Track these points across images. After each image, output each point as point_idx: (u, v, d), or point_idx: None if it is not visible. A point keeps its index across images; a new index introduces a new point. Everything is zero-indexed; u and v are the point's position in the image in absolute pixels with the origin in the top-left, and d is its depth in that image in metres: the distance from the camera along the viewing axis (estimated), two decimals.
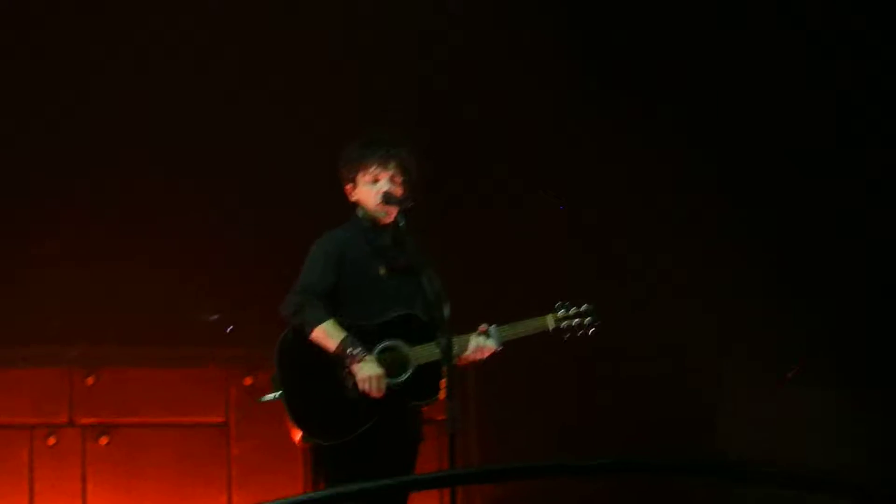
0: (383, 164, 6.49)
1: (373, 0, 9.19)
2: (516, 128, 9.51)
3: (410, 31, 9.16)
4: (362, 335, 6.37)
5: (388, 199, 6.44)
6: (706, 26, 9.56)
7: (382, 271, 6.53)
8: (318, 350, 6.33)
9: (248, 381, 8.63)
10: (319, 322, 6.33)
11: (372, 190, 6.48)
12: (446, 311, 6.23)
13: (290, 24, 9.12)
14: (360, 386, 6.29)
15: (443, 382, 6.32)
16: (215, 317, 9.11)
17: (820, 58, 9.49)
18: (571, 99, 9.40)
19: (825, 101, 9.47)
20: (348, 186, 6.57)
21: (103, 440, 8.49)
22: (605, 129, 9.25)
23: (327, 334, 6.32)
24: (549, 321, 6.67)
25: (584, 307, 6.73)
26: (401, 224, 6.48)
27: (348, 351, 6.29)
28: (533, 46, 9.40)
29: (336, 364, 6.33)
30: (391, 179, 6.48)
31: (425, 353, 6.38)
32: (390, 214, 6.48)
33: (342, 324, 6.36)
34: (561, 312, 6.69)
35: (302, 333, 6.35)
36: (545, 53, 9.40)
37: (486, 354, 6.56)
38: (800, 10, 9.46)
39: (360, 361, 6.29)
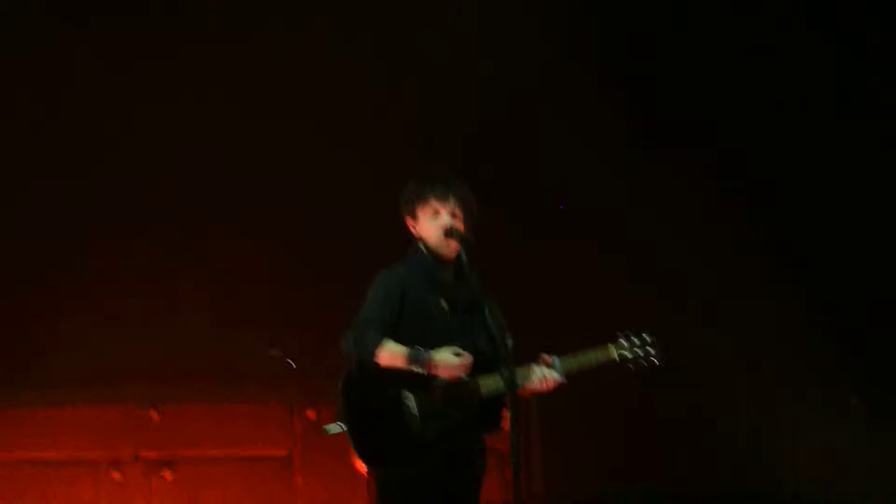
0: (443, 199, 6.49)
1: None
2: (568, 159, 9.56)
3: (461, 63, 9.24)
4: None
5: (449, 233, 6.42)
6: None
7: (444, 306, 6.48)
8: (382, 382, 6.28)
9: (311, 414, 8.66)
10: (380, 342, 6.29)
11: (434, 224, 6.47)
12: (510, 342, 6.20)
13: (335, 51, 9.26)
14: (445, 374, 6.25)
15: (506, 412, 6.26)
16: (279, 352, 9.05)
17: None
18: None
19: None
20: (409, 220, 6.56)
21: (167, 474, 8.54)
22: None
23: (392, 351, 6.28)
24: (612, 351, 6.58)
25: (646, 337, 6.64)
26: (463, 258, 6.43)
27: (419, 356, 6.25)
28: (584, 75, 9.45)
29: (400, 395, 6.28)
30: (451, 214, 6.47)
31: (490, 384, 6.31)
32: (452, 249, 6.45)
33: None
34: (624, 343, 6.61)
35: (366, 365, 6.30)
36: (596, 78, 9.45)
37: (551, 386, 6.48)
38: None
39: (433, 358, 6.25)
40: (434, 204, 6.48)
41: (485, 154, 9.32)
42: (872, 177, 9.63)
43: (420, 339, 6.36)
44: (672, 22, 9.68)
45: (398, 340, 6.34)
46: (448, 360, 6.26)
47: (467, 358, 6.28)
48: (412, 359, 6.26)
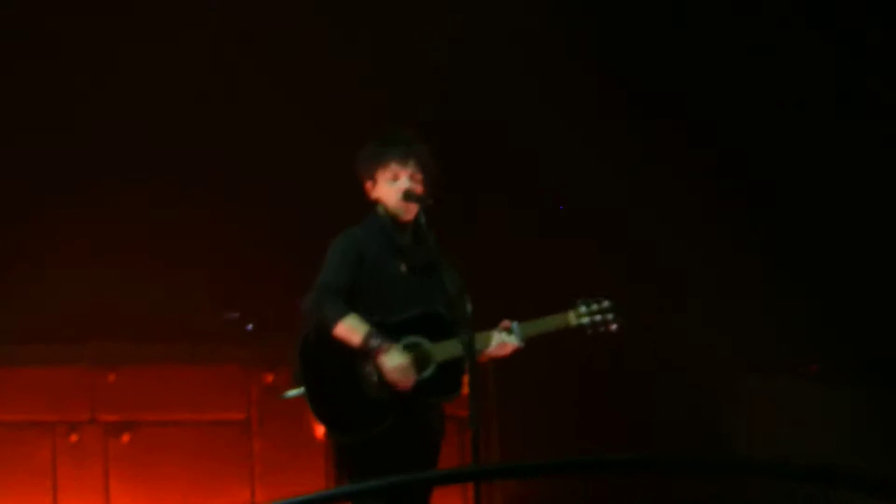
0: (403, 162, 6.49)
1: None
2: (534, 126, 9.54)
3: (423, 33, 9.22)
4: (384, 332, 6.37)
5: (408, 196, 6.44)
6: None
7: (403, 269, 6.52)
8: (340, 347, 6.33)
9: (268, 378, 8.70)
10: (341, 317, 6.32)
11: (392, 187, 6.47)
12: (468, 307, 6.23)
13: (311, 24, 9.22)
14: (388, 377, 6.29)
15: (465, 378, 6.32)
16: (236, 315, 9.17)
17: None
18: (590, 99, 9.41)
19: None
20: (368, 184, 6.57)
21: (125, 437, 8.57)
22: (622, 133, 9.35)
23: (350, 328, 6.31)
24: (571, 318, 6.64)
25: (605, 303, 6.69)
26: (421, 221, 6.46)
27: (372, 343, 6.28)
28: (550, 44, 9.44)
29: (358, 360, 6.33)
30: (411, 177, 6.48)
31: (448, 349, 6.37)
32: (410, 212, 6.47)
33: (364, 319, 6.37)
34: (582, 309, 6.66)
35: (323, 330, 6.35)
36: (565, 50, 9.44)
37: (509, 351, 6.55)
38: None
39: (385, 353, 6.29)
40: (394, 167, 6.48)
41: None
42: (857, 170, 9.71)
43: (378, 301, 6.44)
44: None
45: (356, 303, 6.38)
46: (395, 366, 6.31)
47: (410, 371, 6.31)
48: (366, 344, 6.30)
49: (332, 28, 9.37)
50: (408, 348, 6.39)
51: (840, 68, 9.62)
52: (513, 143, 9.54)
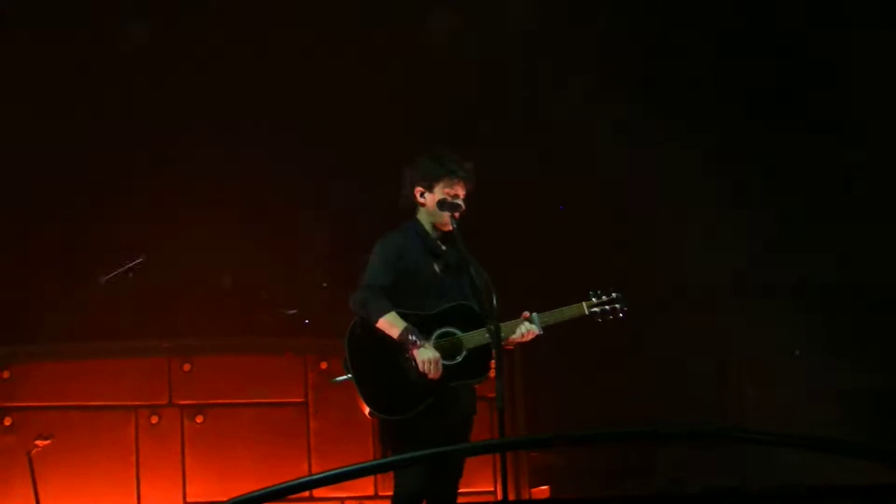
0: (466, 183, 6.78)
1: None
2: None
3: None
4: (421, 323, 6.59)
5: (453, 207, 6.72)
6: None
7: (437, 268, 6.76)
8: (384, 337, 6.54)
9: (323, 365, 8.78)
10: (383, 313, 6.54)
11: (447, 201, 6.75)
12: (494, 300, 6.46)
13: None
14: (420, 368, 6.51)
15: (492, 363, 6.56)
16: (294, 311, 9.36)
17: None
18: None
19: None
20: (419, 189, 6.79)
21: (199, 419, 8.68)
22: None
23: (391, 323, 6.54)
24: (584, 308, 6.90)
25: (614, 295, 6.96)
26: (453, 227, 6.73)
27: (409, 338, 6.50)
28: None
29: (399, 350, 6.55)
30: (464, 198, 6.78)
31: (476, 338, 6.61)
32: (447, 221, 6.75)
33: (402, 314, 6.59)
34: (594, 300, 6.93)
35: (368, 323, 6.57)
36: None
37: (530, 338, 6.78)
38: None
39: (419, 347, 6.50)
40: (457, 187, 6.74)
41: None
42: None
43: (416, 297, 6.67)
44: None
45: (396, 298, 6.59)
46: (427, 358, 6.51)
47: (438, 364, 6.50)
48: (403, 338, 6.51)
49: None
50: (442, 337, 6.61)
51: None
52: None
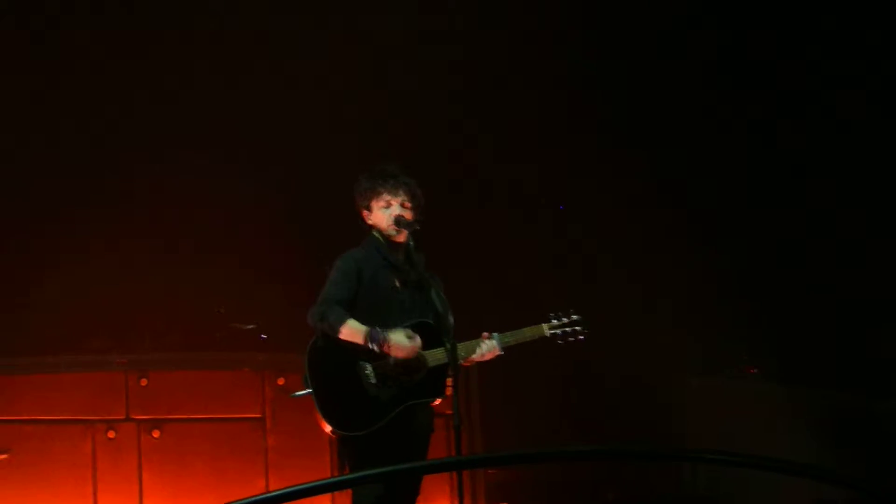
0: (394, 192, 6.77)
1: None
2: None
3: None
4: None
5: (399, 222, 6.73)
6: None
7: (397, 284, 6.75)
8: (343, 353, 6.52)
9: (280, 381, 8.78)
10: (344, 320, 6.53)
11: (385, 214, 6.76)
12: (451, 320, 6.50)
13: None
14: (398, 354, 6.50)
15: (448, 381, 6.57)
16: (251, 326, 9.33)
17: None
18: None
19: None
20: (364, 212, 6.84)
21: (156, 433, 8.66)
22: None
23: (353, 330, 6.53)
24: (545, 329, 6.94)
25: (574, 317, 7.01)
26: (410, 244, 6.75)
27: (376, 336, 6.50)
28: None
29: (358, 364, 6.52)
30: (401, 205, 6.76)
31: (438, 356, 6.60)
32: (401, 235, 6.75)
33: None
34: (554, 322, 6.97)
35: (329, 337, 6.54)
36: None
37: (490, 357, 6.80)
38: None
39: (388, 339, 6.52)
40: (386, 197, 6.76)
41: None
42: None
43: (375, 312, 6.64)
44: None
45: (356, 314, 6.57)
46: (401, 342, 6.53)
47: (417, 341, 6.54)
48: (370, 338, 6.51)
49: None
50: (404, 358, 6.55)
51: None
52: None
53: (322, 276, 6.78)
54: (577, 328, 6.99)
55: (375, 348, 6.51)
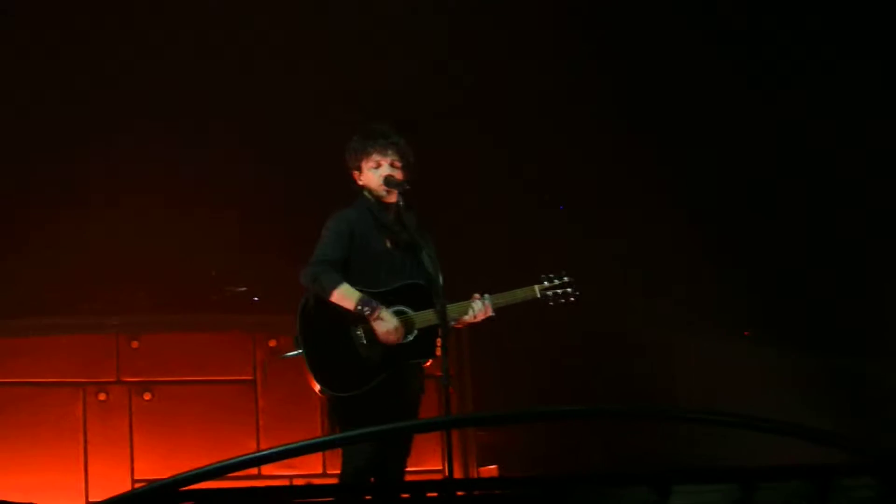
0: (384, 152, 6.76)
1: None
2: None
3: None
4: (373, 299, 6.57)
5: (389, 182, 6.71)
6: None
7: (388, 245, 6.73)
8: (335, 313, 6.50)
9: (271, 343, 8.79)
10: (337, 285, 6.51)
11: (375, 174, 6.74)
12: (441, 280, 6.47)
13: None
14: (382, 338, 6.50)
15: (438, 342, 6.56)
16: (243, 288, 9.30)
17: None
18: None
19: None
20: (355, 173, 6.83)
21: (147, 396, 8.67)
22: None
23: (344, 295, 6.51)
24: (536, 291, 6.94)
25: (565, 279, 7.01)
26: (401, 204, 6.74)
27: (365, 308, 6.48)
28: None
29: (349, 325, 6.52)
30: (391, 165, 6.74)
31: (428, 317, 6.58)
32: (392, 195, 6.74)
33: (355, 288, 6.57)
34: (546, 283, 6.97)
35: (320, 299, 6.52)
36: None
37: (481, 318, 6.80)
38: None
39: (377, 317, 6.52)
40: (376, 157, 6.75)
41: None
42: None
43: (366, 273, 6.64)
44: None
45: (348, 274, 6.57)
46: (387, 325, 6.51)
47: (401, 329, 6.52)
48: (362, 302, 6.49)
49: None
50: (395, 315, 6.56)
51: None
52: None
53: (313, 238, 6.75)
54: (568, 290, 6.99)
55: (367, 312, 6.48)
